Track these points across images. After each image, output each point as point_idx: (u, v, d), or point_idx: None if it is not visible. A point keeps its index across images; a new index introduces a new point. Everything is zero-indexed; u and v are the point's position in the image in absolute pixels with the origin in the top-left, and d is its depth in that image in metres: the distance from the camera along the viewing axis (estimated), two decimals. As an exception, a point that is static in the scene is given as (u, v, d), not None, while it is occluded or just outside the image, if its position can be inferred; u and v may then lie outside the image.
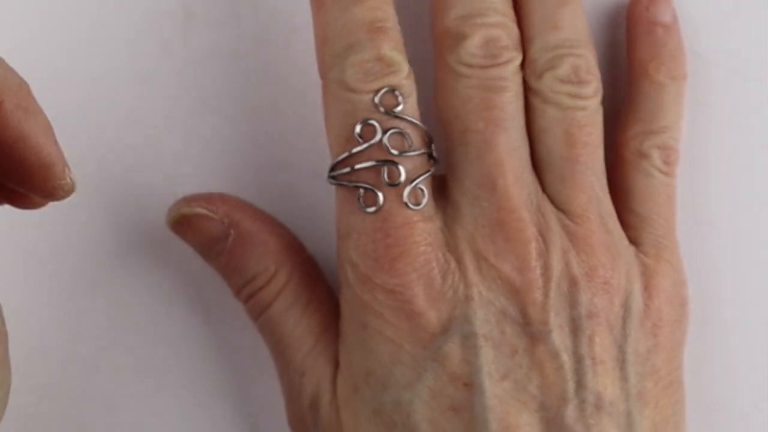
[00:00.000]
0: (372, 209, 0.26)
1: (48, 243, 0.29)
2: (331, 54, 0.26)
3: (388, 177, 0.26)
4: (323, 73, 0.27)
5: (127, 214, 0.30)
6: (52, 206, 0.29)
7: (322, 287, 0.28)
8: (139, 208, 0.30)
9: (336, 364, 0.27)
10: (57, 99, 0.29)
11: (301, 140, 0.29)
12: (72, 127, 0.29)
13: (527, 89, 0.27)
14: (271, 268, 0.28)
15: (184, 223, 0.28)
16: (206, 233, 0.28)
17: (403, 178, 0.26)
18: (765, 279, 0.30)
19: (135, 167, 0.29)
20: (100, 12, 0.29)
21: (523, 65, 0.27)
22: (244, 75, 0.30)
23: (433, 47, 0.28)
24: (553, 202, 0.27)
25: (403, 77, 0.26)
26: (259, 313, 0.28)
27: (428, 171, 0.26)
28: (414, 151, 0.26)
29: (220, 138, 0.30)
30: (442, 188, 0.27)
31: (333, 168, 0.26)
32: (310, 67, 0.28)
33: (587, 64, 0.27)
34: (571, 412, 0.25)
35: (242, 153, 0.30)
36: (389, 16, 0.26)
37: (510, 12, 0.27)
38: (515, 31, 0.27)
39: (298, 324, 0.28)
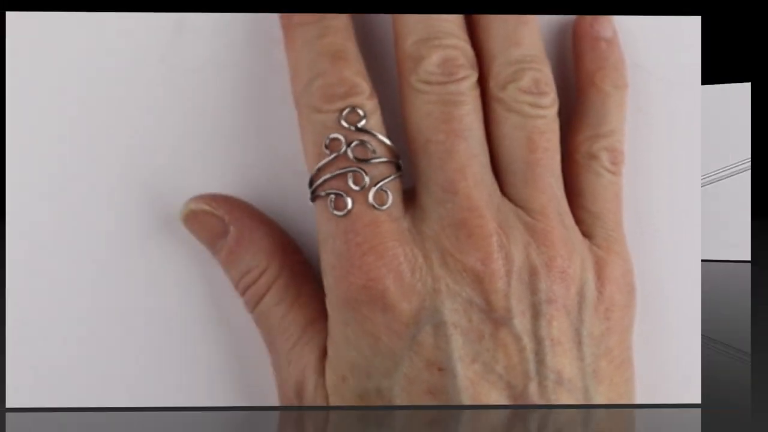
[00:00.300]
0: (342, 213, 0.28)
1: (56, 244, 0.31)
2: (302, 84, 0.29)
3: (354, 182, 0.28)
4: (297, 103, 0.29)
5: (122, 213, 0.31)
6: (53, 210, 0.31)
7: (311, 286, 0.30)
8: (133, 208, 0.31)
9: (320, 354, 0.29)
10: (57, 102, 0.31)
11: (293, 144, 0.31)
12: (71, 129, 0.31)
13: (491, 99, 0.29)
14: (263, 263, 0.30)
15: (192, 218, 0.30)
16: (209, 228, 0.30)
17: (367, 181, 0.28)
18: (695, 270, 0.32)
19: (133, 168, 0.31)
20: (103, 28, 0.31)
21: (483, 79, 0.29)
22: (235, 81, 0.31)
23: (396, 70, 0.30)
24: (513, 201, 0.29)
25: (365, 98, 0.28)
26: (253, 305, 0.30)
27: (391, 176, 0.28)
28: (377, 158, 0.28)
29: (215, 140, 0.31)
30: (411, 197, 0.29)
31: (310, 184, 0.29)
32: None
33: (546, 77, 0.29)
34: (534, 389, 0.28)
35: (238, 155, 0.31)
36: (350, 48, 0.29)
37: (464, 35, 0.29)
38: (470, 52, 0.29)
39: (286, 316, 0.30)
